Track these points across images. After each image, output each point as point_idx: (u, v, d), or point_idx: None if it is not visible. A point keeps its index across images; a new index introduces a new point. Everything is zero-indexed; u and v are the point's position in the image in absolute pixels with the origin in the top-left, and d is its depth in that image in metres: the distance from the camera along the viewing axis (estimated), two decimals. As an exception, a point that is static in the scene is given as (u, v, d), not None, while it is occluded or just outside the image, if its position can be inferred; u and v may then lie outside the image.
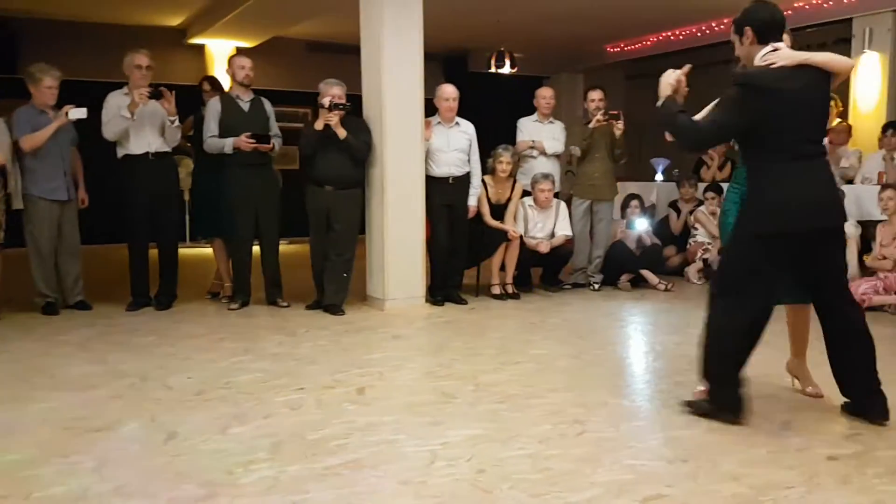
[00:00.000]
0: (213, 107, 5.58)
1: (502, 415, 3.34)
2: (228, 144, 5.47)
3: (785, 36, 3.19)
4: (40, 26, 8.46)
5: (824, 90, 3.11)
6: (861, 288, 5.71)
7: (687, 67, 3.27)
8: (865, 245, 6.14)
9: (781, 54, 3.04)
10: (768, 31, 3.09)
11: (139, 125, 5.41)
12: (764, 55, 3.07)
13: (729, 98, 3.09)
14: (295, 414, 3.36)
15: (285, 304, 5.79)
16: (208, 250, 6.58)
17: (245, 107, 5.62)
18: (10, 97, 6.77)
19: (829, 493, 2.55)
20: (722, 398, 3.19)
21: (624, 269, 6.72)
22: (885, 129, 6.71)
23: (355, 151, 5.51)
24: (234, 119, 5.55)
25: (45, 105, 5.35)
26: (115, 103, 5.38)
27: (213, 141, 5.54)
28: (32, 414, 3.34)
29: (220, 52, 9.22)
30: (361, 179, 5.73)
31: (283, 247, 6.03)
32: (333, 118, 5.32)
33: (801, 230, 3.03)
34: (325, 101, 5.34)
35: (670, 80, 3.20)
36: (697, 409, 3.30)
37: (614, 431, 3.14)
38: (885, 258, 5.72)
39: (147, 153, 5.46)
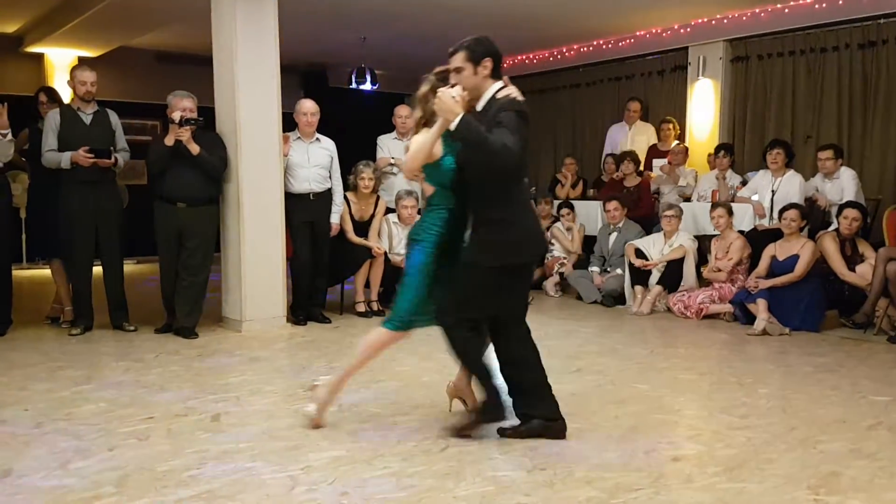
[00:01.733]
0: (52, 119, 5.20)
1: (366, 434, 3.30)
2: (65, 159, 5.11)
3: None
4: None
5: None
6: (699, 298, 6.16)
7: (458, 88, 3.10)
8: (702, 258, 6.64)
9: (515, 90, 3.14)
10: (499, 67, 3.17)
11: None
12: (502, 89, 3.12)
13: (514, 123, 3.01)
14: (143, 445, 3.16)
15: (132, 327, 5.47)
16: (47, 272, 6.10)
17: (87, 119, 5.27)
18: None
19: (674, 494, 2.71)
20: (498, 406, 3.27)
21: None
22: (717, 150, 7.30)
23: (210, 169, 5.30)
24: (74, 132, 5.19)
25: None
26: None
27: (51, 155, 5.15)
28: None
29: (60, 61, 8.61)
30: (215, 196, 5.52)
31: (130, 267, 5.69)
32: (185, 134, 5.11)
33: (536, 258, 3.38)
34: (176, 115, 5.11)
35: (454, 95, 3.03)
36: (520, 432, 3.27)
37: (477, 444, 3.18)
38: (719, 270, 6.20)
39: None
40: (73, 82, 5.30)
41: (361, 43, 8.62)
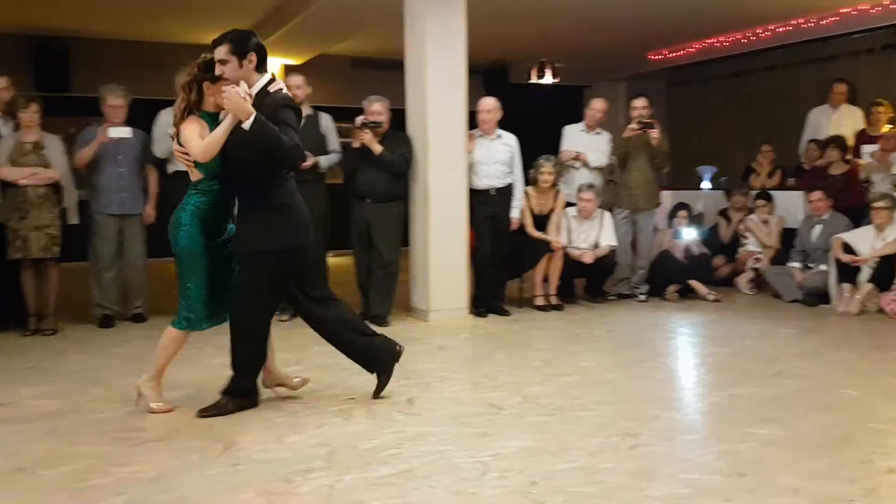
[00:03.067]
0: None
1: (552, 427, 3.33)
2: None
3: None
4: (90, 45, 8.73)
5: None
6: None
7: (244, 85, 3.26)
8: None
9: (282, 84, 3.40)
10: (265, 61, 3.36)
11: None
12: (272, 83, 3.34)
13: (288, 117, 3.30)
14: (347, 424, 3.40)
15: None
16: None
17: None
18: (63, 115, 7.02)
19: (892, 508, 2.49)
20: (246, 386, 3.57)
21: (671, 279, 6.64)
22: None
23: (389, 165, 5.57)
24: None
25: (111, 123, 5.51)
26: (165, 121, 5.52)
27: None
28: (91, 424, 3.43)
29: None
30: (401, 193, 5.78)
31: (330, 259, 6.09)
32: (364, 136, 5.44)
33: (307, 242, 3.51)
34: (358, 120, 5.47)
35: (243, 94, 3.20)
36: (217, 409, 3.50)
37: (668, 445, 3.11)
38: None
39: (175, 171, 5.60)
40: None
41: (543, 38, 8.61)
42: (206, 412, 3.49)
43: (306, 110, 5.74)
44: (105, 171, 5.54)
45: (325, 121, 5.80)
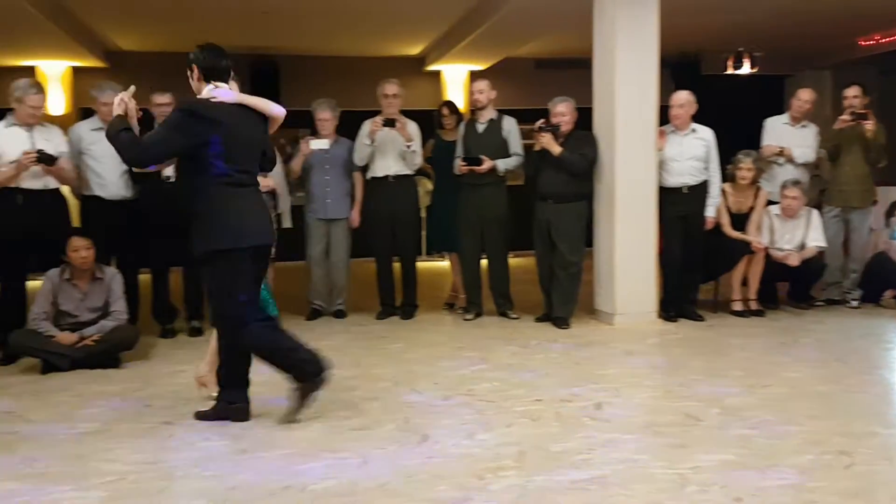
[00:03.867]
0: (460, 131, 5.93)
1: (755, 441, 3.15)
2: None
3: (232, 82, 3.60)
4: (298, 62, 9.46)
5: (260, 129, 3.58)
6: None
7: (132, 89, 3.51)
8: None
9: (218, 92, 3.47)
10: (212, 73, 3.51)
11: (382, 150, 5.85)
12: (209, 91, 3.47)
13: (170, 120, 3.46)
14: (535, 425, 3.43)
15: (515, 315, 5.92)
16: (444, 263, 6.91)
17: (480, 128, 5.85)
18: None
19: None
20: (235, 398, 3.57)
21: (888, 284, 6.03)
22: None
23: (570, 166, 5.53)
24: (470, 141, 5.84)
25: (315, 136, 5.94)
26: (365, 131, 5.85)
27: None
28: (306, 412, 3.70)
29: (454, 76, 9.69)
30: (584, 193, 5.71)
31: (511, 260, 6.16)
32: (543, 139, 5.47)
33: (254, 245, 3.45)
34: (537, 124, 5.53)
35: (117, 100, 3.46)
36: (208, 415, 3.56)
37: (888, 465, 2.84)
38: None
39: (387, 176, 5.87)
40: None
41: (731, 25, 8.13)
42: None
43: (490, 114, 5.85)
44: (314, 179, 5.98)
45: (508, 124, 5.87)
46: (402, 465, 2.98)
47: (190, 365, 4.67)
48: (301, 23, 7.77)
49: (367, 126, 5.83)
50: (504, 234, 5.91)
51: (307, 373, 3.51)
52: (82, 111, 8.11)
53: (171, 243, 5.37)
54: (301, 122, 6.29)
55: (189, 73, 3.57)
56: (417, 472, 2.91)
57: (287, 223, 5.86)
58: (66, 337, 4.53)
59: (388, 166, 5.89)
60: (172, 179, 5.39)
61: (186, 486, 2.86)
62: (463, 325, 5.82)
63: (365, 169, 5.98)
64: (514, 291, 6.04)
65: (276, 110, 3.61)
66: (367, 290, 6.42)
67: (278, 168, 5.78)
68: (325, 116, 5.92)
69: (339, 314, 6.13)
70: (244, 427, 3.47)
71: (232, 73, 3.63)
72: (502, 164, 5.77)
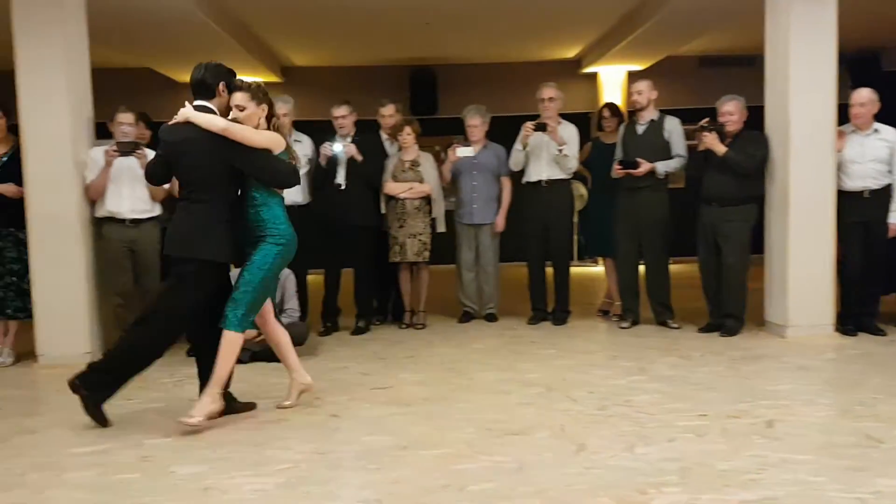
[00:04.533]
0: (619, 133, 5.84)
1: (951, 470, 2.86)
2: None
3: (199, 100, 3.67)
4: (455, 70, 9.67)
5: (204, 146, 3.54)
6: None
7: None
8: None
9: (181, 112, 3.59)
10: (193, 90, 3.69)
11: (535, 155, 5.86)
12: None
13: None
14: (700, 441, 3.29)
15: (675, 325, 5.71)
16: (597, 269, 6.79)
17: (640, 130, 5.71)
18: (432, 135, 7.86)
19: None
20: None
21: None
22: None
23: (735, 166, 5.26)
24: (629, 143, 5.70)
25: (474, 142, 6.06)
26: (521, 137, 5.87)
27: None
28: (458, 412, 3.79)
29: (611, 77, 9.51)
30: (753, 195, 5.41)
31: (671, 266, 5.95)
32: (706, 138, 5.27)
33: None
34: (700, 124, 5.33)
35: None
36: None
37: None
38: None
39: (540, 180, 5.86)
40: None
41: None
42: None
43: (650, 115, 5.68)
44: (462, 185, 6.10)
45: (670, 124, 5.67)
46: (560, 473, 2.97)
47: (353, 362, 4.93)
48: (460, 32, 7.94)
49: (522, 131, 5.85)
50: (664, 239, 5.72)
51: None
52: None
53: (342, 245, 5.70)
54: (458, 129, 6.44)
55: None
56: (576, 481, 2.88)
57: (441, 228, 5.99)
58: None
59: (540, 171, 5.88)
60: (343, 187, 5.70)
61: (353, 477, 3.01)
62: (618, 334, 5.69)
63: (520, 174, 6.01)
64: (674, 299, 5.83)
65: (218, 126, 3.55)
66: (518, 295, 6.45)
67: (434, 174, 5.94)
68: (475, 122, 6.01)
69: (490, 318, 6.19)
70: (404, 425, 3.59)
71: (217, 89, 3.71)
72: (662, 167, 5.59)
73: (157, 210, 5.20)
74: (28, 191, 4.96)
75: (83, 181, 5.04)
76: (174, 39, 6.89)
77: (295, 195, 5.58)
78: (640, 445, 3.25)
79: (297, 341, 4.96)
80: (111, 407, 3.72)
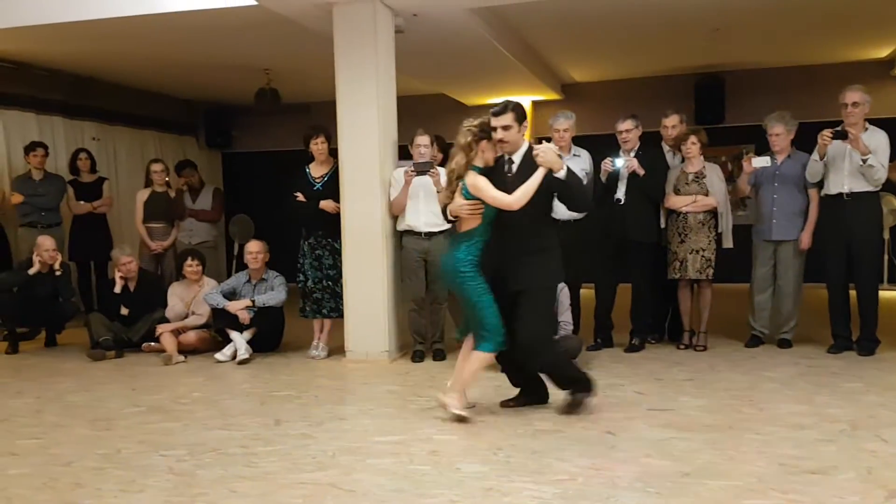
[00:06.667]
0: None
1: None
2: None
3: None
4: (744, 76, 9.08)
5: None
6: None
7: None
8: None
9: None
10: None
11: (834, 165, 5.32)
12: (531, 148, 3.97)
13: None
14: None
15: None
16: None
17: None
18: (719, 145, 7.48)
19: None
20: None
21: None
22: None
23: None
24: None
25: (776, 151, 5.70)
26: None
27: None
28: (747, 443, 3.55)
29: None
30: None
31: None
32: None
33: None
34: None
35: (555, 150, 3.90)
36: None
37: None
38: None
39: (840, 193, 5.30)
40: None
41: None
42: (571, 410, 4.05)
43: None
44: (761, 197, 5.72)
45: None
46: (868, 522, 2.66)
47: (628, 380, 4.86)
48: (751, 35, 7.47)
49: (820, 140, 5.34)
50: (874, 258, 4.92)
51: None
52: (538, 140, 9.00)
53: (620, 260, 5.68)
54: (745, 139, 6.05)
55: (517, 126, 3.94)
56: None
57: (727, 244, 5.67)
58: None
59: (841, 182, 5.31)
60: (623, 202, 5.66)
61: (631, 499, 2.96)
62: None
63: (821, 185, 5.49)
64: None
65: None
66: (816, 320, 5.86)
67: (721, 186, 5.63)
68: (777, 131, 5.59)
69: (784, 343, 5.71)
70: (686, 451, 3.46)
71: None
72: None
73: (446, 224, 5.59)
74: (343, 206, 5.64)
75: (388, 198, 5.61)
76: (467, 66, 7.40)
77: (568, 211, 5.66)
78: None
79: (572, 353, 5.04)
80: (407, 402, 4.08)
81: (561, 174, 3.82)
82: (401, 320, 5.79)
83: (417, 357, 5.61)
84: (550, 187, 3.84)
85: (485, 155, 3.96)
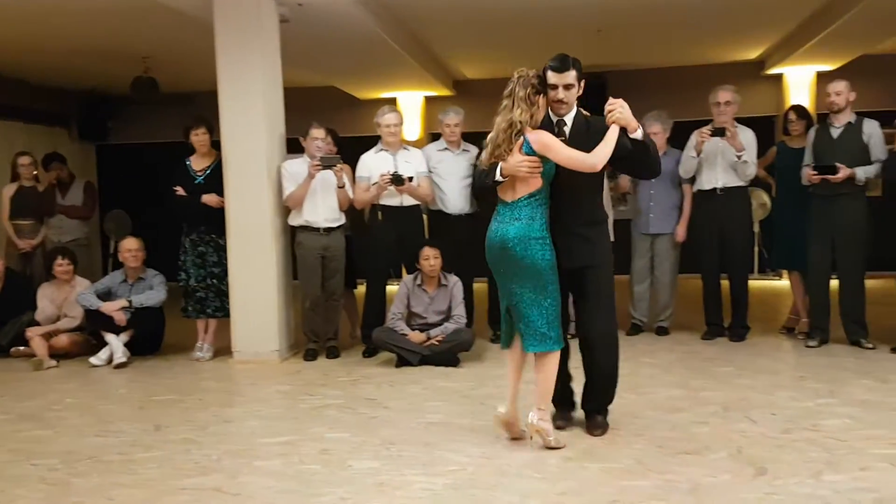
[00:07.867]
0: (809, 137, 5.46)
1: None
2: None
3: None
4: (626, 76, 9.43)
5: None
6: None
7: None
8: None
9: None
10: None
11: (709, 162, 5.59)
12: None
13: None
14: (897, 472, 3.00)
15: (870, 345, 5.23)
16: (781, 283, 6.37)
17: (835, 134, 5.29)
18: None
19: None
20: None
21: None
22: None
23: None
24: (821, 148, 5.30)
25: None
26: (692, 143, 5.63)
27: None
28: (627, 428, 3.69)
29: (798, 79, 8.85)
30: None
31: (870, 283, 5.45)
32: None
33: None
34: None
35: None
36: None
37: None
38: None
39: (714, 188, 5.60)
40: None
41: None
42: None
43: (847, 117, 5.25)
44: (639, 193, 5.96)
45: (870, 127, 5.21)
46: (737, 497, 2.82)
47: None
48: (632, 37, 7.77)
49: (694, 137, 5.61)
50: (861, 251, 5.26)
51: None
52: (431, 136, 9.03)
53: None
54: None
55: (578, 84, 3.45)
56: (754, 506, 2.73)
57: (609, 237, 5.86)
58: (417, 336, 5.09)
59: (715, 178, 5.61)
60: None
61: (518, 485, 3.02)
62: (805, 353, 5.30)
63: (693, 181, 5.78)
64: (868, 317, 5.34)
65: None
66: (691, 309, 6.18)
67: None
68: (655, 130, 5.83)
69: (662, 331, 5.99)
70: (571, 436, 3.56)
71: None
72: (862, 172, 5.13)
73: (343, 219, 5.54)
74: (228, 201, 5.46)
75: (281, 193, 5.46)
76: (357, 59, 7.31)
77: (462, 205, 5.70)
78: (827, 472, 3.01)
79: (464, 346, 5.10)
80: (297, 402, 4.00)
81: (637, 134, 3.34)
82: (291, 318, 5.67)
83: (310, 356, 5.50)
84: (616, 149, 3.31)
85: (539, 113, 3.39)
